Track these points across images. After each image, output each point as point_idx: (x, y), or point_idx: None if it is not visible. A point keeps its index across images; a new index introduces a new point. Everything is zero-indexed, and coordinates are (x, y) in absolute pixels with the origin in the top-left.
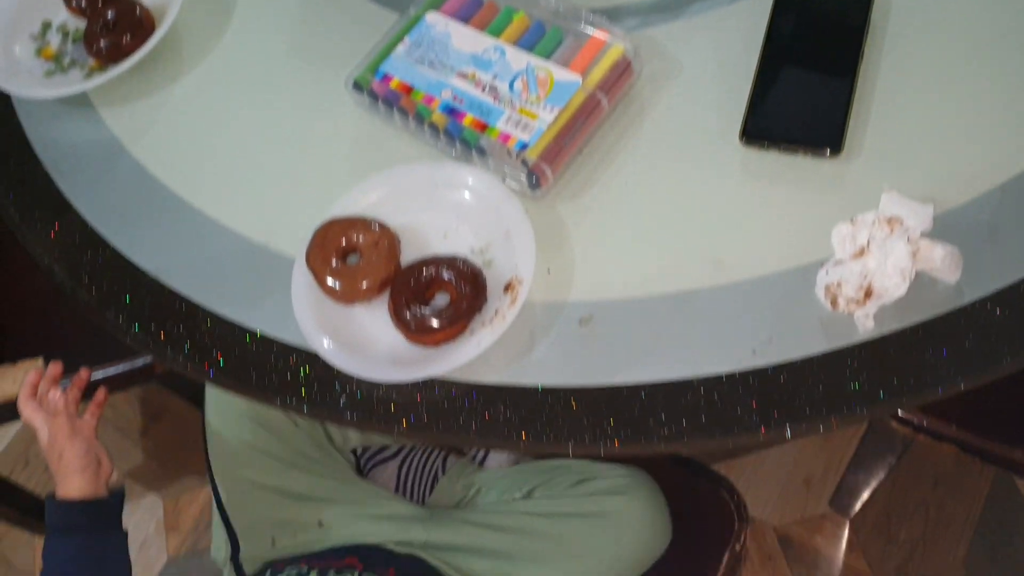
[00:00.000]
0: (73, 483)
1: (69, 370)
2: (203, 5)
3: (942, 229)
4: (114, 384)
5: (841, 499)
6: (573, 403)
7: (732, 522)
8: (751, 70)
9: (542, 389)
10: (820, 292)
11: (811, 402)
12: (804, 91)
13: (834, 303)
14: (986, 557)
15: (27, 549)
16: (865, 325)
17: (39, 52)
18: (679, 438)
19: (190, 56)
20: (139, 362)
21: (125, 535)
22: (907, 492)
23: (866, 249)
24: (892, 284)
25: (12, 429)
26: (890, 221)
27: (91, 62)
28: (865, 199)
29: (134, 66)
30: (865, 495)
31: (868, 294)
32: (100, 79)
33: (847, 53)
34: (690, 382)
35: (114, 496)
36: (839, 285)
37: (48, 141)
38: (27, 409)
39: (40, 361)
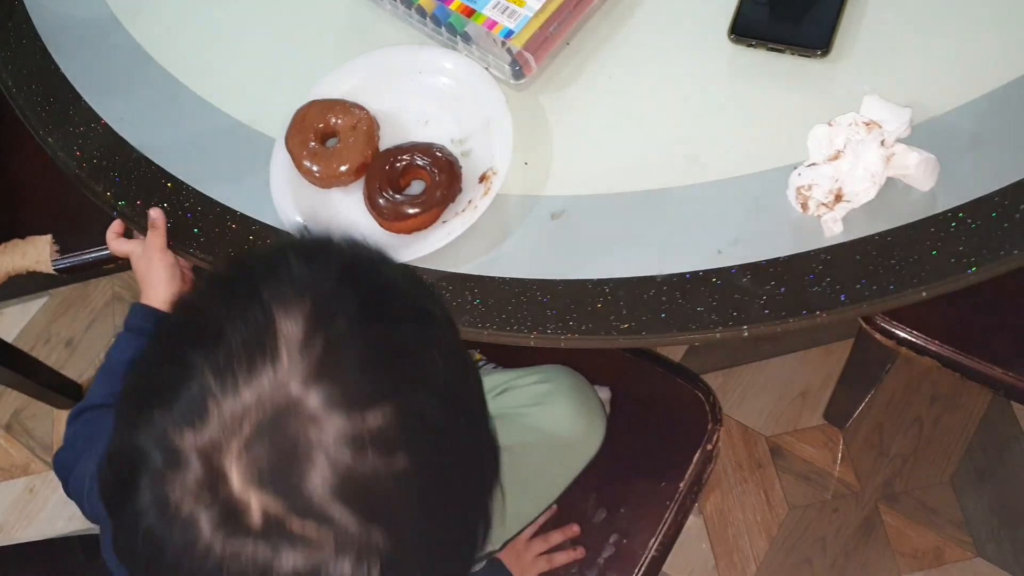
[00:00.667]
0: (157, 293)
1: (81, 246)
2: None
3: (924, 136)
4: (118, 264)
5: (834, 411)
6: (539, 295)
7: (705, 422)
8: None
9: (510, 280)
10: (791, 194)
11: (771, 304)
12: None
13: (804, 206)
14: (974, 476)
15: (47, 422)
16: (832, 229)
17: None
18: (637, 332)
19: None
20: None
21: None
22: (903, 408)
23: (841, 152)
24: (862, 189)
25: (35, 305)
26: (868, 124)
27: None
28: (849, 103)
29: None
30: (859, 409)
31: (838, 198)
32: None
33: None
34: (653, 278)
35: None
36: (810, 188)
37: (45, 12)
38: (116, 243)
39: (49, 237)
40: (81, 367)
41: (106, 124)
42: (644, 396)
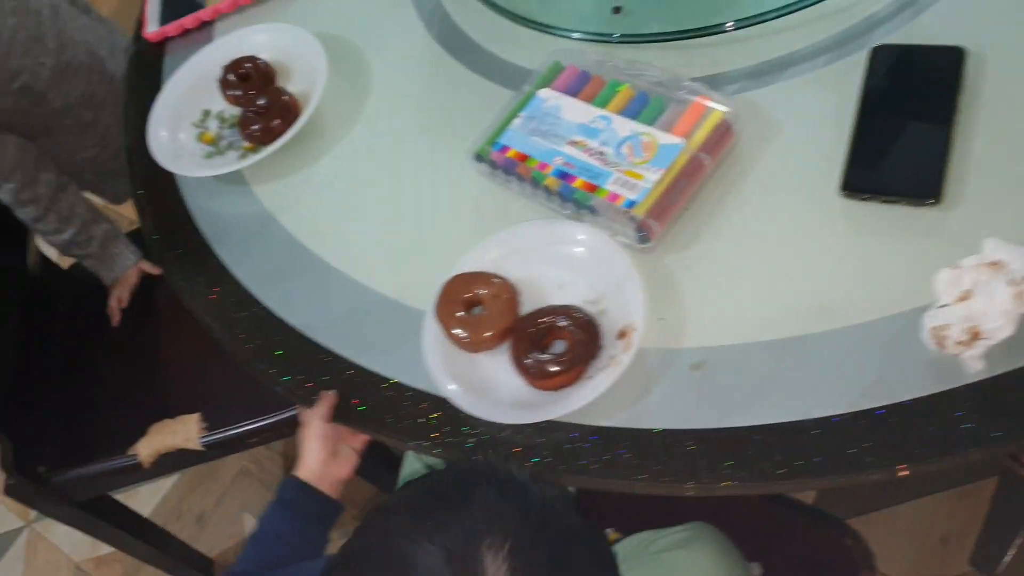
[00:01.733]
0: (307, 464)
1: (226, 423)
2: (341, 93)
3: None
4: (260, 437)
5: (982, 556)
6: (690, 444)
7: (856, 570)
8: (847, 126)
9: (659, 432)
10: (925, 335)
11: (923, 442)
12: (901, 143)
13: (941, 345)
14: None
15: None
16: (974, 366)
17: (200, 137)
18: (794, 478)
19: (331, 136)
20: (283, 415)
21: (325, 539)
22: None
23: (970, 293)
24: (997, 326)
25: (168, 481)
26: (992, 265)
27: (245, 144)
28: (966, 245)
29: (282, 146)
30: (1010, 552)
31: (975, 336)
32: (254, 159)
33: (942, 104)
34: (802, 424)
35: (329, 501)
36: (945, 328)
37: (208, 215)
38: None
39: (198, 416)
40: (212, 542)
41: (266, 307)
42: (790, 549)
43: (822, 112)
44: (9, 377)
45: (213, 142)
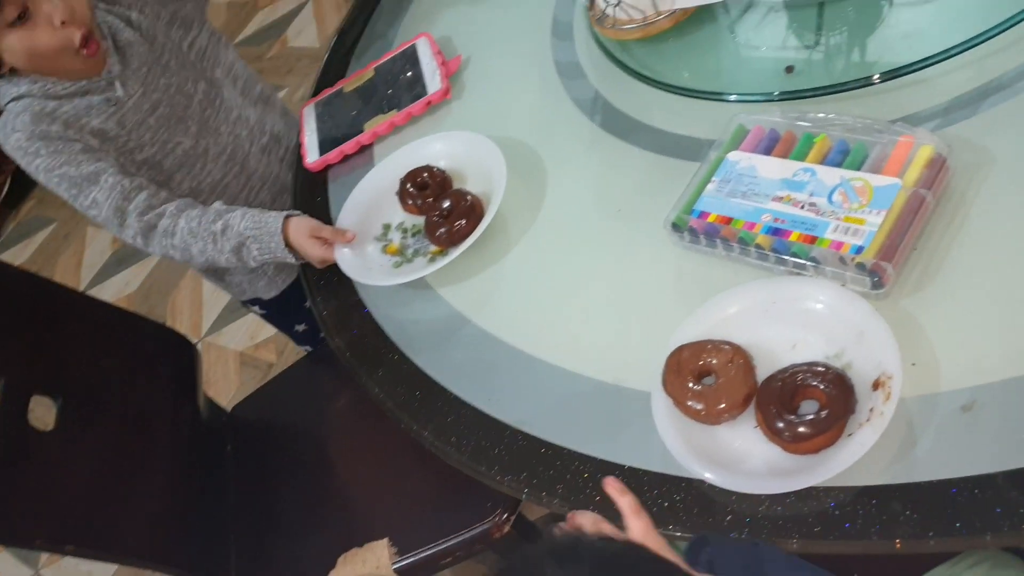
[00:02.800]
0: None
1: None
2: (516, 190)
3: None
4: (453, 557)
5: None
6: (977, 492)
7: None
8: None
9: (938, 483)
10: None
11: None
12: None
13: None
14: None
15: None
16: None
17: (384, 249)
18: None
19: (513, 232)
20: (474, 530)
21: None
22: None
23: None
24: None
25: None
26: None
27: (432, 249)
28: None
29: (468, 247)
30: None
31: None
32: (444, 260)
33: None
34: None
35: None
36: None
37: (398, 324)
38: None
39: (386, 541)
40: None
41: (474, 407)
42: None
43: None
44: (190, 520)
45: (399, 252)
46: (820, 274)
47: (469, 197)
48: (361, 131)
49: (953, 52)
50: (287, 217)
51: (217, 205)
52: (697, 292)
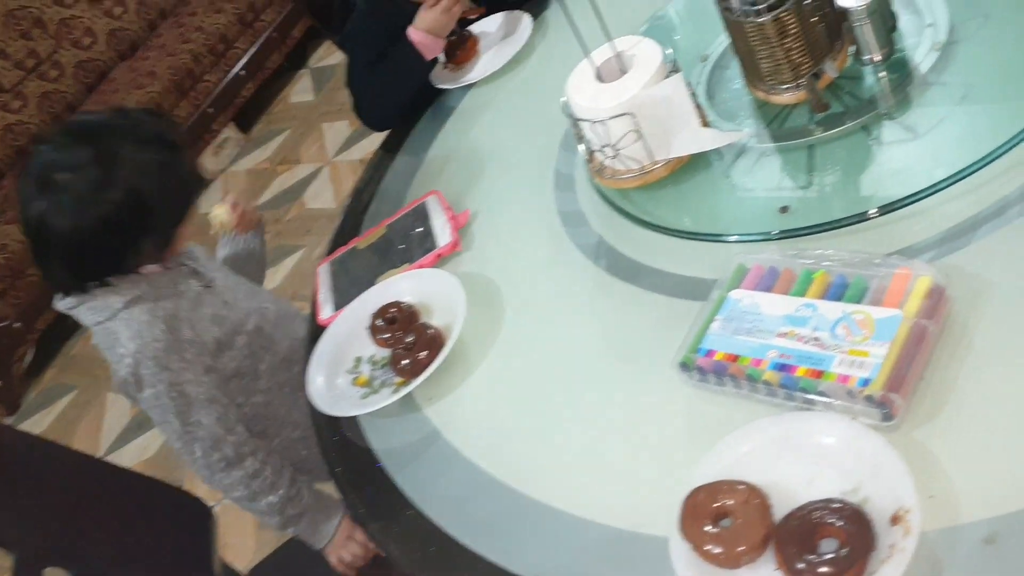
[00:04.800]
0: None
1: None
2: (529, 332)
3: None
4: None
5: None
6: None
7: None
8: None
9: None
10: None
11: None
12: None
13: None
14: None
15: None
16: None
17: (355, 381)
18: None
19: (525, 377)
20: None
21: None
22: None
23: None
24: None
25: None
26: None
27: (397, 380)
28: None
29: (434, 375)
30: None
31: None
32: (406, 390)
33: None
34: None
35: None
36: None
37: (410, 477)
38: None
39: None
40: None
41: (489, 560)
42: None
43: None
44: None
45: (367, 383)
46: (830, 408)
47: (432, 330)
48: (374, 286)
49: (941, 186)
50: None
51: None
52: (709, 431)
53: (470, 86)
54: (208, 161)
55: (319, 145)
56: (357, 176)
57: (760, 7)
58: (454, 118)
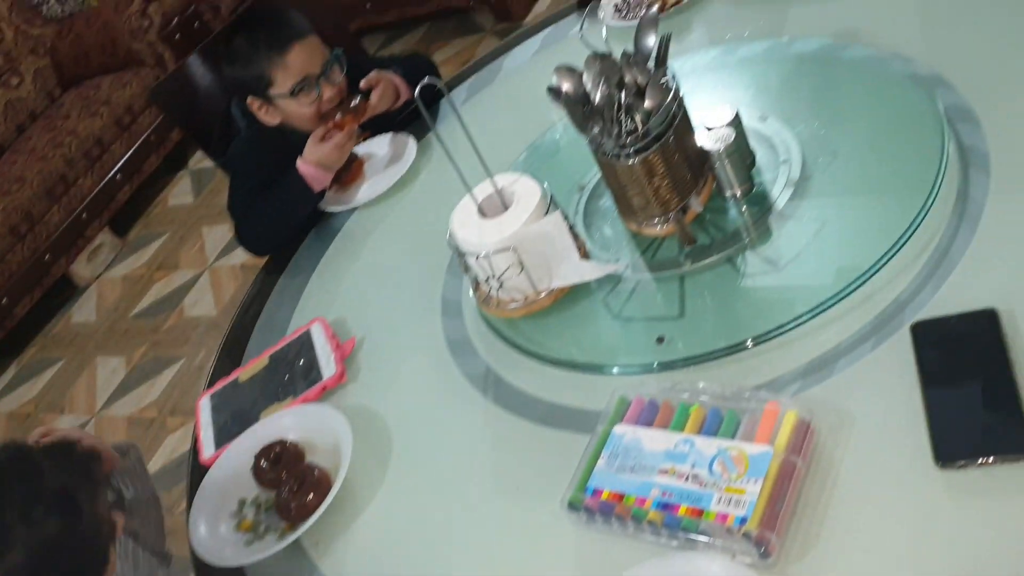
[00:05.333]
0: None
1: None
2: (413, 467)
3: None
4: None
5: None
6: None
7: None
8: (917, 400)
9: None
10: None
11: None
12: (975, 405)
13: None
14: None
15: None
16: None
17: (238, 526)
18: None
19: (408, 514)
20: None
21: None
22: None
23: None
24: None
25: None
26: None
27: (283, 524)
28: None
29: (321, 517)
30: None
31: None
32: (292, 537)
33: (997, 363)
34: None
35: None
36: None
37: None
38: None
39: None
40: None
41: None
42: None
43: (887, 392)
44: None
45: (252, 528)
46: (711, 547)
47: (317, 470)
48: (257, 421)
49: (803, 319)
50: None
51: None
52: (599, 571)
53: (356, 208)
54: (82, 268)
55: (199, 249)
56: (240, 281)
57: (629, 150)
58: (339, 240)
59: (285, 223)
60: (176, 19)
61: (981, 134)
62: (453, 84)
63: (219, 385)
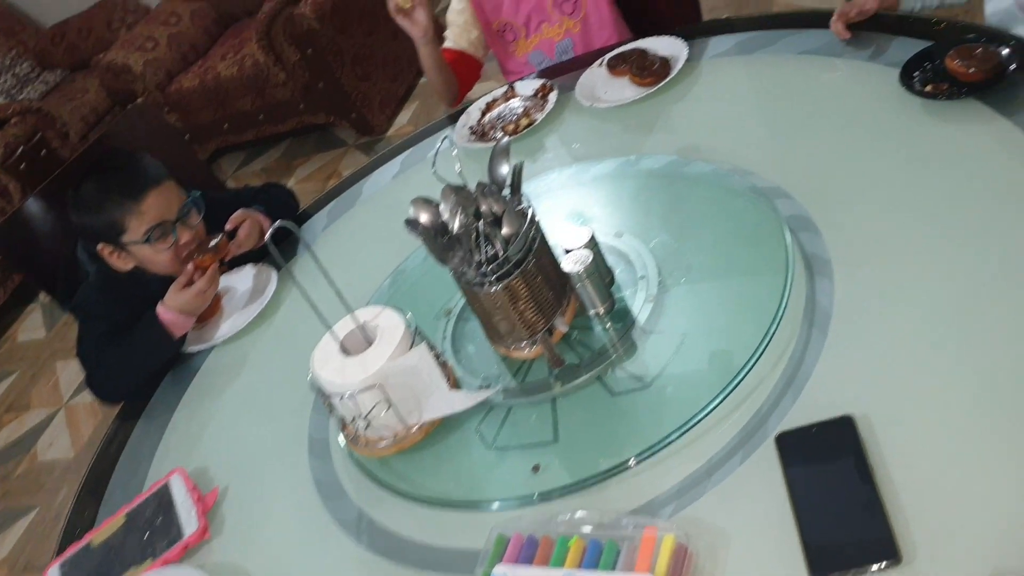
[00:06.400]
0: None
1: None
2: None
3: None
4: None
5: None
6: None
7: None
8: (788, 512)
9: None
10: None
11: None
12: (842, 513)
13: None
14: None
15: None
16: None
17: None
18: None
19: None
20: None
21: None
22: None
23: None
24: None
25: None
26: None
27: None
28: None
29: None
30: None
31: None
32: None
33: (858, 469)
34: None
35: None
36: None
37: None
38: None
39: None
40: None
41: None
42: None
43: (759, 507)
44: None
45: None
46: None
47: None
48: None
49: (672, 437)
50: None
51: None
52: None
53: (215, 346)
54: None
55: (52, 386)
56: (99, 419)
57: (491, 277)
58: (199, 380)
59: (142, 371)
60: (21, 148)
61: (822, 242)
62: (313, 211)
63: (70, 551)
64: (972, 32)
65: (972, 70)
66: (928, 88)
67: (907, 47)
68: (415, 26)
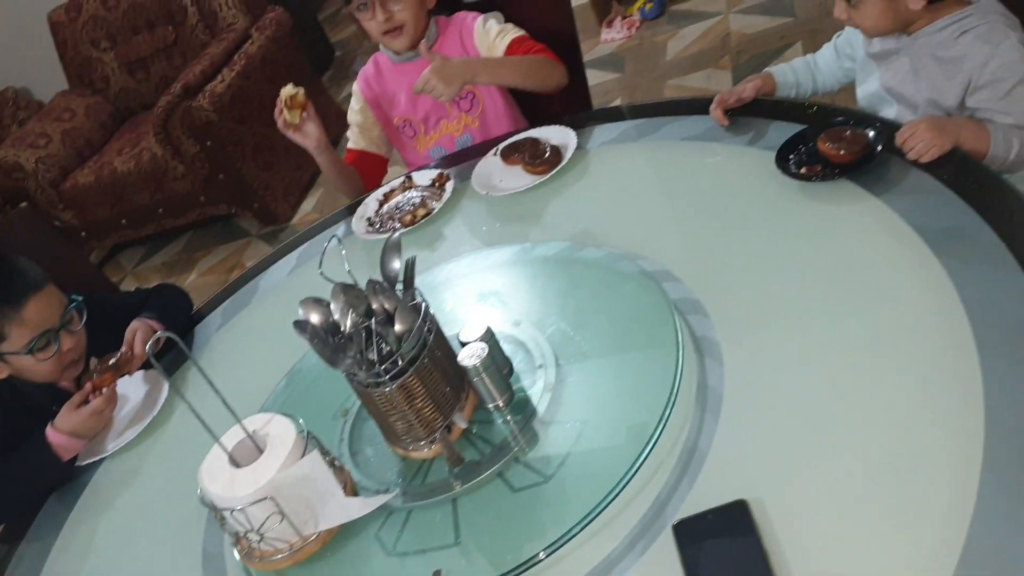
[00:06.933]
0: None
1: None
2: None
3: None
4: None
5: None
6: None
7: None
8: None
9: None
10: None
11: None
12: None
13: None
14: None
15: None
16: None
17: None
18: None
19: None
20: None
21: None
22: None
23: None
24: None
25: None
26: None
27: None
28: None
29: None
30: None
31: None
32: None
33: (752, 553)
34: None
35: None
36: None
37: None
38: None
39: None
40: None
41: None
42: None
43: None
44: None
45: None
46: None
47: None
48: None
49: (575, 531)
50: None
51: None
52: None
53: (104, 458)
54: None
55: None
56: None
57: (384, 377)
58: (87, 495)
59: (27, 493)
60: None
61: (710, 323)
62: (207, 311)
63: None
64: (841, 115)
65: (842, 152)
66: (803, 170)
67: (783, 131)
68: (307, 139)
